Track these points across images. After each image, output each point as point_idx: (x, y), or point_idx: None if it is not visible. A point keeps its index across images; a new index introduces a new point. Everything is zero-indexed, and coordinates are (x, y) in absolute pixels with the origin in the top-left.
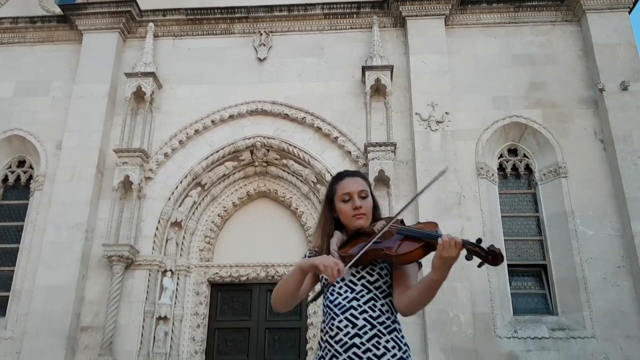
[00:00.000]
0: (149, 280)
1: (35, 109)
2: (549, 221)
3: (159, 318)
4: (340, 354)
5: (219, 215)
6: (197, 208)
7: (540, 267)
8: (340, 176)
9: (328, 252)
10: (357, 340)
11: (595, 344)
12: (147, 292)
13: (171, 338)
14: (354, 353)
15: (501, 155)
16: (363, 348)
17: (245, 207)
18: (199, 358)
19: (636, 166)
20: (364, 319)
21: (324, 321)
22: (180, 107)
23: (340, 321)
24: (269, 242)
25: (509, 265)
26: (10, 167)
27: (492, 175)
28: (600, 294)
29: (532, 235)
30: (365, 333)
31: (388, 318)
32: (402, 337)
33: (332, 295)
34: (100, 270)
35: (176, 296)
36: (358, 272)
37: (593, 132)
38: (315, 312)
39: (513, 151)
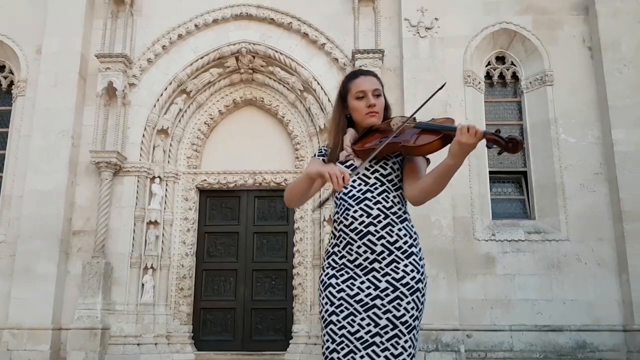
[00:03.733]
0: (137, 186)
1: (13, 13)
2: (532, 129)
3: (150, 222)
4: (356, 241)
5: (205, 123)
6: (183, 116)
7: (521, 174)
8: (355, 74)
9: (342, 149)
10: (372, 229)
11: (568, 246)
12: (137, 197)
13: (162, 241)
14: (369, 240)
15: (489, 63)
16: (377, 235)
17: (232, 115)
18: (190, 260)
19: (622, 74)
20: (378, 209)
21: (337, 212)
22: (162, 10)
23: (355, 211)
24: (257, 150)
25: (490, 172)
26: None
27: (479, 83)
28: (576, 199)
29: None
30: (379, 222)
31: (400, 209)
32: (412, 226)
33: (346, 188)
34: (89, 177)
35: (165, 202)
36: (372, 166)
37: (582, 40)
38: (302, 217)
39: (501, 59)
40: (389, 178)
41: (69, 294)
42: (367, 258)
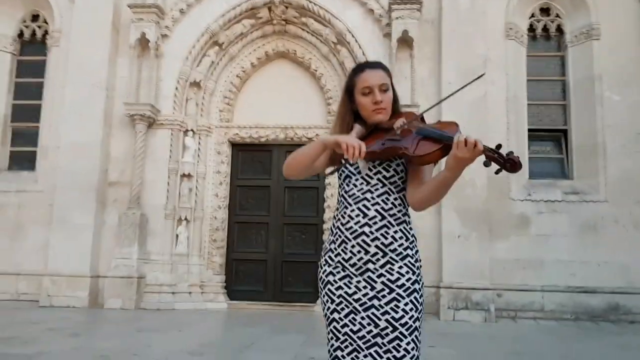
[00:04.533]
0: (171, 139)
1: None
2: (575, 86)
3: (183, 175)
4: (350, 240)
5: (237, 75)
6: (215, 68)
7: (561, 132)
8: (361, 67)
9: None
10: (366, 229)
11: (606, 208)
12: (171, 150)
13: (195, 194)
14: (363, 240)
15: (532, 15)
16: (372, 237)
17: (264, 68)
18: (222, 213)
19: None
20: (376, 210)
21: (337, 209)
22: None
23: (352, 210)
24: (288, 105)
25: (529, 130)
26: (24, 21)
27: (522, 36)
28: (617, 160)
29: (556, 100)
30: (375, 223)
31: (399, 211)
32: (411, 228)
33: (347, 186)
34: (124, 129)
35: (198, 155)
36: (375, 167)
37: None
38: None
39: (545, 10)
40: (392, 180)
41: (105, 243)
42: (361, 258)
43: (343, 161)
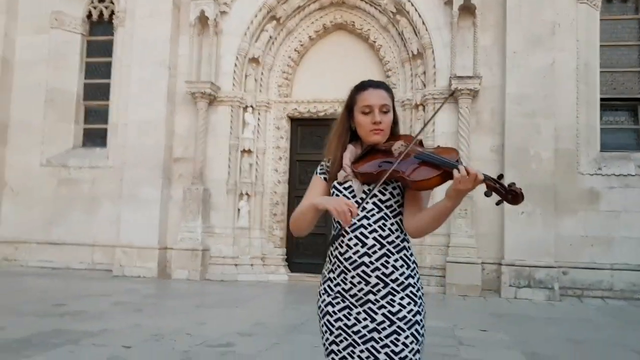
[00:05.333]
0: (231, 115)
1: None
2: None
3: (243, 151)
4: (350, 271)
5: (295, 50)
6: (273, 43)
7: (636, 101)
8: (364, 86)
9: (341, 166)
10: (366, 259)
11: None
12: (231, 126)
13: (255, 169)
14: (363, 271)
15: None
16: (372, 267)
17: (322, 40)
18: (282, 187)
19: None
20: (374, 238)
21: (333, 235)
22: None
23: (350, 239)
24: (347, 77)
25: (601, 99)
26: (92, 2)
27: None
28: None
29: (632, 67)
30: (375, 252)
31: (397, 237)
32: (411, 254)
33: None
34: (186, 106)
35: (258, 131)
36: (370, 190)
37: None
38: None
39: None
40: (388, 204)
41: (172, 217)
42: (362, 289)
43: (338, 228)
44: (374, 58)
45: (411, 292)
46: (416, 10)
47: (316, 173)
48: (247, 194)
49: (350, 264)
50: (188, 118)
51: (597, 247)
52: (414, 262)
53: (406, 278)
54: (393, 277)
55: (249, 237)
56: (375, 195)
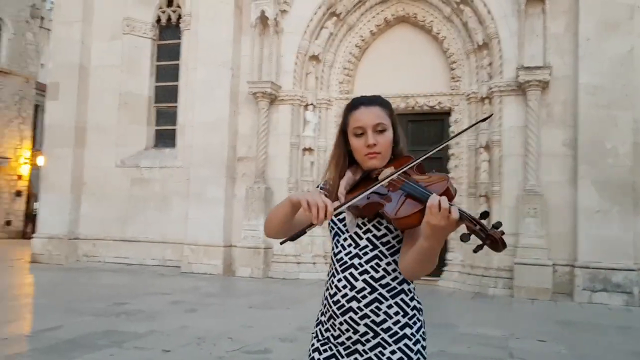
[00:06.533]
0: (292, 114)
1: None
2: None
3: (305, 149)
4: (338, 317)
5: (356, 45)
6: (333, 39)
7: None
8: (355, 104)
9: (337, 195)
10: (354, 305)
11: None
12: (292, 125)
13: (317, 167)
14: (351, 318)
15: None
16: (360, 314)
17: (384, 35)
18: None
19: None
20: (364, 280)
21: (328, 274)
22: None
23: (339, 280)
24: (409, 72)
25: None
26: (161, 7)
27: None
28: None
29: None
30: (364, 297)
31: (394, 279)
32: (411, 299)
33: (336, 247)
34: (249, 106)
35: (319, 129)
36: (365, 224)
37: None
38: (457, 143)
39: None
40: (384, 240)
41: (236, 215)
42: (350, 337)
43: (308, 224)
44: (437, 50)
45: (406, 345)
46: None
47: (318, 187)
48: (308, 192)
49: (338, 309)
50: (251, 117)
51: None
52: (414, 307)
53: (402, 328)
54: (385, 326)
55: (311, 235)
56: (369, 231)
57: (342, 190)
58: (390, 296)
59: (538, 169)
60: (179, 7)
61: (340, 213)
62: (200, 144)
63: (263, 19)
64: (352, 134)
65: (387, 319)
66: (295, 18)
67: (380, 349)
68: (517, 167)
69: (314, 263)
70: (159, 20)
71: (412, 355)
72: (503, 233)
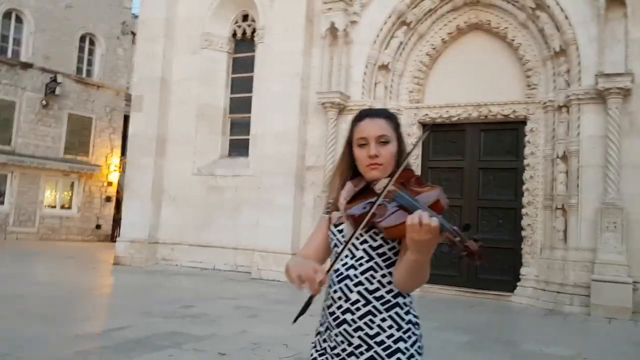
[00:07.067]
0: None
1: None
2: None
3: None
4: (333, 328)
5: (427, 54)
6: (403, 49)
7: None
8: (360, 116)
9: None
10: (348, 317)
11: None
12: None
13: None
14: (345, 330)
15: None
16: (354, 326)
17: (456, 43)
18: None
19: None
20: (358, 292)
21: (328, 284)
22: None
23: (335, 291)
24: (482, 80)
25: None
26: (237, 22)
27: None
28: None
29: None
30: (358, 309)
31: (389, 292)
32: (407, 313)
33: (334, 258)
34: (318, 116)
35: None
36: (362, 235)
37: None
38: (532, 153)
39: None
40: (380, 251)
41: (305, 223)
42: (345, 349)
43: (309, 297)
44: (512, 57)
45: (400, 359)
46: (557, 3)
47: (323, 213)
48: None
49: (334, 320)
50: (319, 127)
51: None
52: (409, 321)
53: (395, 342)
54: (378, 339)
55: None
56: (365, 241)
57: (341, 201)
58: (385, 309)
59: (619, 181)
60: (253, 21)
61: (340, 223)
62: (271, 153)
63: (333, 30)
64: (356, 145)
65: (381, 332)
66: (365, 28)
67: None
68: (597, 179)
69: None
70: (234, 35)
71: None
72: (481, 245)
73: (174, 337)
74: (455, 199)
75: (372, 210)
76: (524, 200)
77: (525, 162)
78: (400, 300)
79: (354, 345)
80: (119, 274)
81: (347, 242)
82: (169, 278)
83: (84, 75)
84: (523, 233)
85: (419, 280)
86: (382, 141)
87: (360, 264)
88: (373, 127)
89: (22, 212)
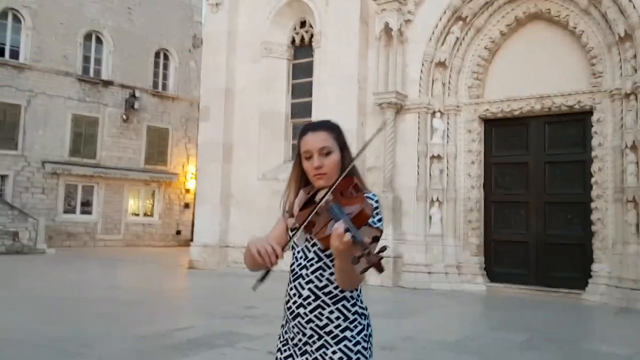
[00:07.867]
0: (419, 122)
1: None
2: None
3: (433, 157)
4: (290, 321)
5: (485, 47)
6: (460, 44)
7: None
8: (304, 130)
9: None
10: (301, 311)
11: None
12: (419, 133)
13: (446, 175)
14: (299, 322)
15: None
16: (306, 319)
17: (515, 34)
18: (476, 192)
19: None
20: (309, 289)
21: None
22: None
23: (291, 289)
24: (544, 71)
25: None
26: (295, 29)
27: None
28: None
29: None
30: (309, 304)
31: (336, 287)
32: (353, 305)
33: (292, 258)
34: (375, 116)
35: (447, 135)
36: (312, 238)
37: None
38: (600, 144)
39: None
40: (327, 253)
41: None
42: (300, 339)
43: (265, 269)
44: (574, 45)
45: (346, 346)
46: None
47: (283, 211)
48: (438, 200)
49: (290, 314)
50: (377, 128)
51: None
52: (355, 312)
53: (342, 331)
54: (327, 329)
55: (442, 244)
56: (315, 245)
57: (295, 208)
58: (332, 302)
59: None
60: (311, 27)
61: (294, 229)
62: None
63: (387, 30)
64: (303, 157)
65: (329, 323)
66: (420, 26)
67: (323, 349)
68: None
69: (446, 273)
70: (293, 41)
71: (351, 355)
72: (381, 258)
73: (230, 337)
74: (520, 195)
75: (309, 219)
76: (593, 193)
77: (593, 153)
78: (347, 294)
79: (307, 336)
80: (191, 277)
81: (287, 243)
82: (237, 280)
83: (159, 88)
84: (593, 228)
85: (352, 280)
86: (325, 153)
87: (311, 264)
88: (315, 141)
89: (109, 221)
